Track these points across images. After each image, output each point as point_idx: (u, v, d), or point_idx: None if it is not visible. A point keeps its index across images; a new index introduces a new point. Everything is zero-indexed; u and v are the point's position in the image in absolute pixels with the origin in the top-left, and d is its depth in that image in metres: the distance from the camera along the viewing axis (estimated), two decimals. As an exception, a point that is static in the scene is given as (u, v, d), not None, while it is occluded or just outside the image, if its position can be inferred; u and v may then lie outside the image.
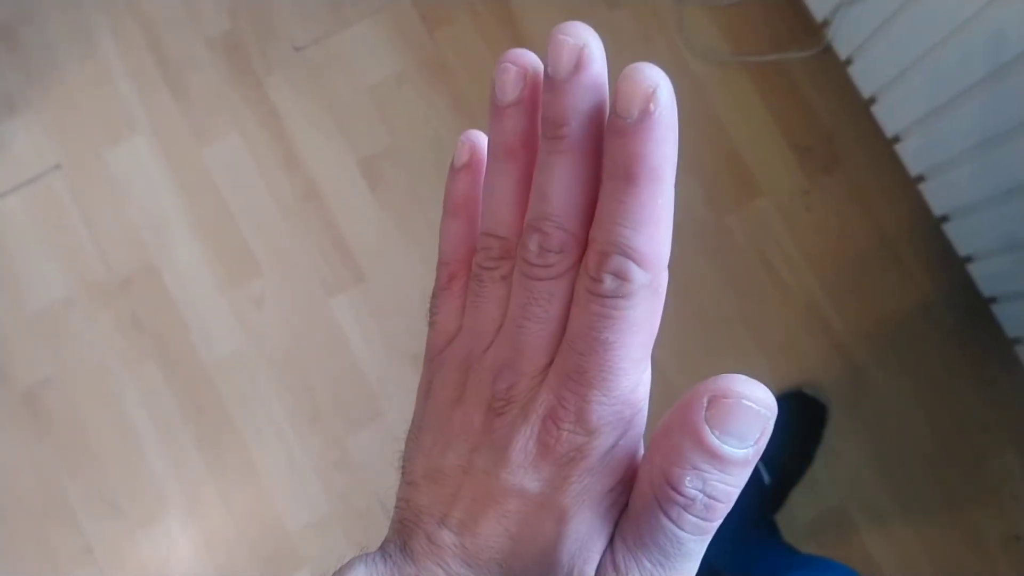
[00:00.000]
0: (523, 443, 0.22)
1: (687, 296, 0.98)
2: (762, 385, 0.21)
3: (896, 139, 0.93)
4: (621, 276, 0.22)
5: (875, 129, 0.95)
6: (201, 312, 1.00)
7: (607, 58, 0.23)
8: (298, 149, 1.03)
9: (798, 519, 0.94)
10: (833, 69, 0.98)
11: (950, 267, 0.96)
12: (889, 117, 0.92)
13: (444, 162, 1.09)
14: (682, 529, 0.21)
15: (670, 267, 0.23)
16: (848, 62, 0.94)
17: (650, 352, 0.23)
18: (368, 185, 1.02)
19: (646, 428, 0.24)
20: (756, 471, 0.88)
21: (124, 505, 0.98)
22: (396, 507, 0.25)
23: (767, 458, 0.89)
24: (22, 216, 1.02)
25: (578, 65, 0.22)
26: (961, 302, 0.97)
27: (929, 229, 0.95)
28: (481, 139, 0.27)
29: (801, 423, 0.92)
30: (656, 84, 0.21)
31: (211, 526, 0.98)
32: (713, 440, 0.20)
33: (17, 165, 1.03)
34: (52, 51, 1.04)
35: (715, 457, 0.20)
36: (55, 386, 0.99)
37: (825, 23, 0.94)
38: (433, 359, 0.26)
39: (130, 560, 0.97)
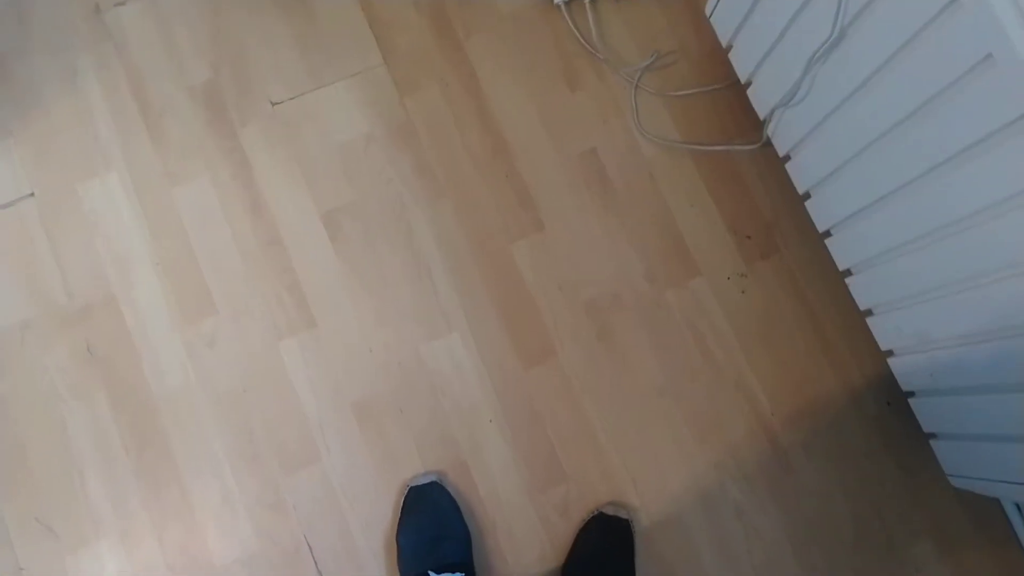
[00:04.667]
0: None
1: (624, 365, 1.01)
2: None
3: (827, 234, 0.98)
4: None
5: (810, 223, 1.01)
6: (154, 346, 1.03)
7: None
8: (265, 197, 1.08)
9: (710, 594, 0.96)
10: (774, 163, 1.04)
11: (875, 359, 1.01)
12: (821, 213, 0.97)
13: (402, 221, 1.13)
14: None
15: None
16: (786, 159, 0.99)
17: None
18: (328, 235, 1.07)
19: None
20: None
21: (58, 528, 1.00)
22: None
23: None
24: (-8, 240, 1.06)
25: None
26: (884, 393, 1.01)
27: (856, 321, 0.99)
28: None
29: (608, 544, 0.93)
30: None
31: (142, 556, 1.00)
32: None
33: (-6, 191, 1.07)
34: (40, 87, 1.10)
35: None
36: (1, 406, 1.02)
37: (766, 121, 1.01)
38: None
39: (57, 585, 0.99)
